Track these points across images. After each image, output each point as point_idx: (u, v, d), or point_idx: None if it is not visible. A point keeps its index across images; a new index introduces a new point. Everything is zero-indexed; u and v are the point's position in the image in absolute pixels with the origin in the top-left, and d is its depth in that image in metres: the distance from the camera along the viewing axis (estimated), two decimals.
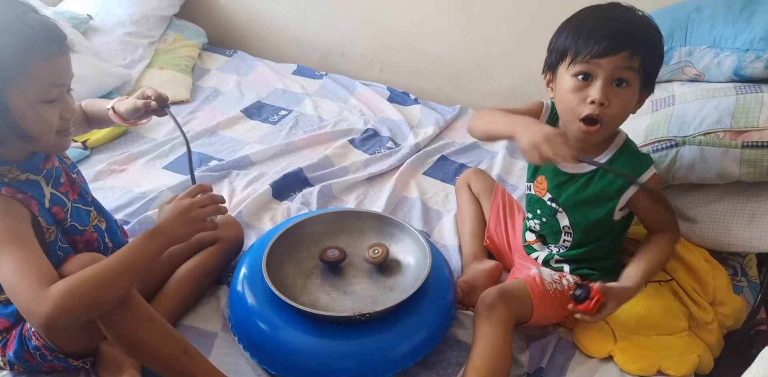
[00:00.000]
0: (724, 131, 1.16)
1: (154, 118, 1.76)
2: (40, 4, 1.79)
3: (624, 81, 0.96)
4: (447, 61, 1.91)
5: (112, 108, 1.10)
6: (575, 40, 0.97)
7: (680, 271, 1.16)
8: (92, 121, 1.15)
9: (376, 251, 1.13)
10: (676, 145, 1.19)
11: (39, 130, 0.87)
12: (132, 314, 0.88)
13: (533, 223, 1.17)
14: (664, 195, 1.12)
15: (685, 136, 1.19)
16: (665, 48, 1.32)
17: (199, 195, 0.94)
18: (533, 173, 1.15)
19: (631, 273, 1.05)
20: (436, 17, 1.85)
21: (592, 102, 0.96)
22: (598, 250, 1.12)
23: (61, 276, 0.83)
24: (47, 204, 0.93)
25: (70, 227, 0.96)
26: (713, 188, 1.21)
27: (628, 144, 1.07)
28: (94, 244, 1.01)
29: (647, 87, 1.01)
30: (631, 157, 1.05)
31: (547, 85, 1.07)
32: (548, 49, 1.04)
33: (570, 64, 0.98)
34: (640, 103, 1.02)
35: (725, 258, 1.23)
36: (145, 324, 0.90)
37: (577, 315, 1.00)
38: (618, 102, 0.97)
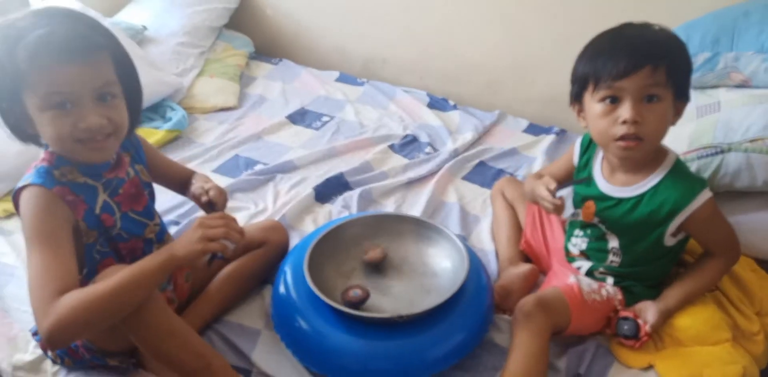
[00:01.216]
0: None
1: (204, 125, 1.84)
2: (96, 15, 1.86)
3: (654, 96, 0.94)
4: (486, 67, 1.92)
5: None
6: (593, 65, 0.96)
7: (726, 281, 1.14)
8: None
9: (356, 293, 1.07)
10: (722, 151, 1.17)
11: (49, 137, 0.86)
12: (150, 327, 0.89)
13: (579, 241, 1.15)
14: None
15: (731, 143, 1.16)
16: (710, 54, 1.31)
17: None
18: (582, 199, 1.13)
19: (669, 298, 1.07)
20: (476, 24, 1.86)
21: (624, 122, 0.94)
22: (650, 270, 1.11)
23: None
24: (97, 211, 0.94)
25: (117, 235, 0.98)
26: (760, 196, 1.19)
27: (678, 166, 1.03)
28: (138, 253, 1.02)
29: (681, 97, 0.98)
30: (681, 180, 1.02)
31: (578, 116, 1.06)
32: (570, 79, 1.04)
33: (594, 90, 0.97)
34: (678, 113, 0.99)
35: None
36: (165, 338, 0.90)
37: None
38: (652, 117, 0.95)
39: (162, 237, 1.08)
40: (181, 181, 1.16)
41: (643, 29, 0.97)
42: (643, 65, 0.92)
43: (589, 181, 1.11)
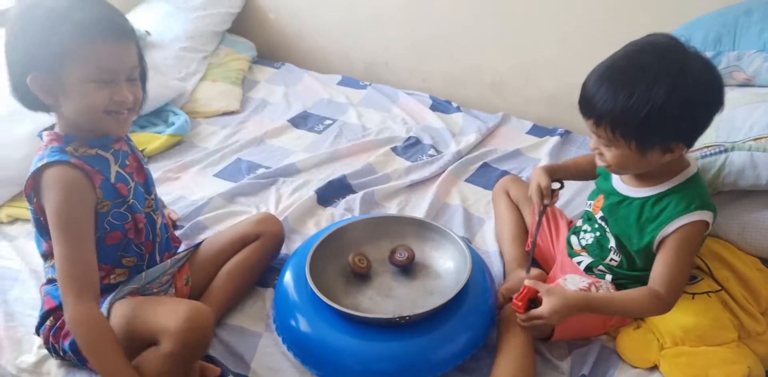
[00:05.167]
0: None
1: (206, 129, 1.86)
2: None
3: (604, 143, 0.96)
4: (489, 68, 1.93)
5: None
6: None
7: (731, 280, 1.13)
8: None
9: (402, 254, 1.15)
10: (725, 150, 1.16)
11: (82, 106, 0.94)
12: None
13: (587, 236, 1.15)
14: None
15: (735, 142, 1.16)
16: (712, 53, 1.30)
17: None
18: (598, 192, 1.14)
19: (597, 294, 1.03)
20: (479, 26, 1.87)
21: None
22: (647, 277, 1.07)
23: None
24: (112, 180, 1.01)
25: (133, 204, 1.03)
26: (764, 195, 1.18)
27: (693, 181, 1.01)
28: (143, 230, 1.06)
29: (651, 148, 0.92)
30: (684, 195, 0.99)
31: None
32: None
33: None
34: (669, 151, 0.93)
35: None
36: None
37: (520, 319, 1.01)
38: (608, 155, 0.97)
39: (157, 209, 1.13)
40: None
41: (641, 65, 0.88)
42: (587, 116, 0.95)
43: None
